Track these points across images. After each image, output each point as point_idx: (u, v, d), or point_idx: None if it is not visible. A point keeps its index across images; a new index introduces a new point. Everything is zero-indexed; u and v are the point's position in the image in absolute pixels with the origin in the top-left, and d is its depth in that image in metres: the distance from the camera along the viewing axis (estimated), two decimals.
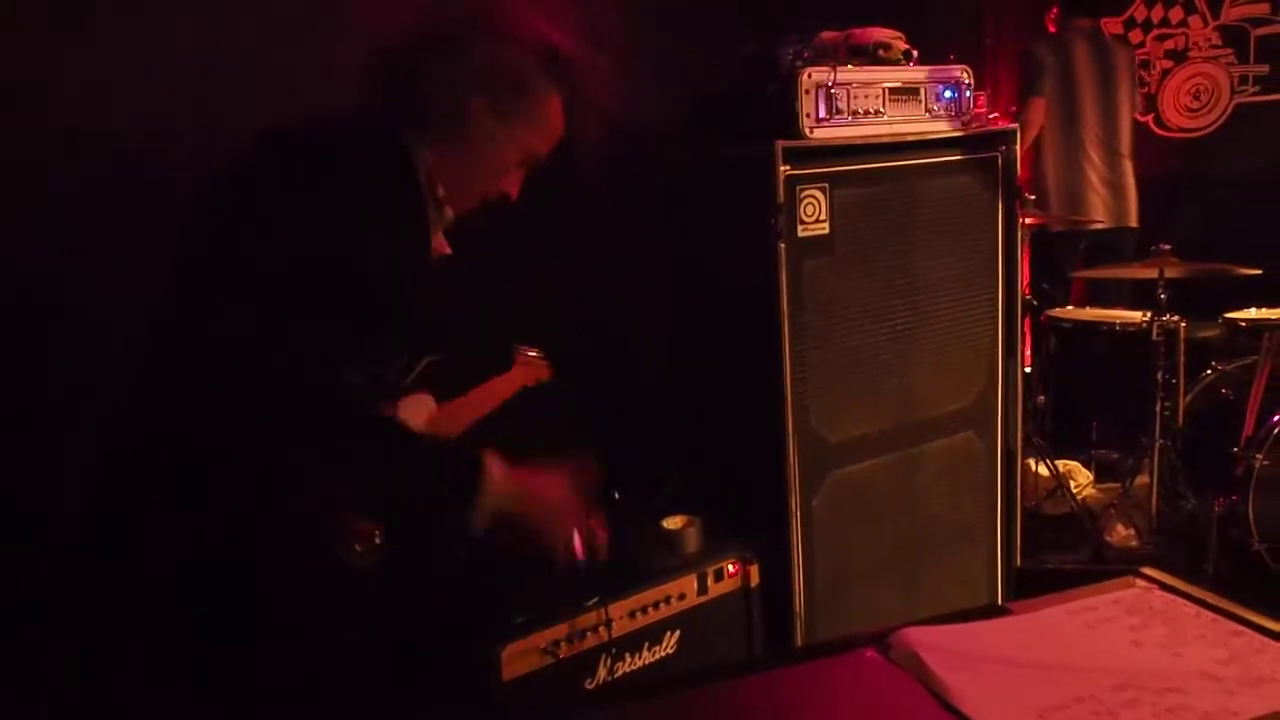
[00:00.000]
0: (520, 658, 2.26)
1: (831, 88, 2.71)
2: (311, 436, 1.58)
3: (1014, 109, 4.88)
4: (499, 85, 1.74)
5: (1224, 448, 3.70)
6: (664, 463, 3.11)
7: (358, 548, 1.74)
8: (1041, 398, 4.43)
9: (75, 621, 1.76)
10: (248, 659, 1.60)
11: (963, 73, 2.97)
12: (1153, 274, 3.83)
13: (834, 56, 2.80)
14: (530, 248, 2.95)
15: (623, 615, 2.44)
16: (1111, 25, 5.44)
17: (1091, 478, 4.52)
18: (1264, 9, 5.07)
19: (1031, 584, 3.23)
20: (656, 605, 2.51)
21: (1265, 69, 5.17)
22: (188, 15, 2.52)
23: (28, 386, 2.34)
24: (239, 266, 1.57)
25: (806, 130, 2.69)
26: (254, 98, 2.53)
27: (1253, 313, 4.05)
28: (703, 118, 2.99)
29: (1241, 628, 1.37)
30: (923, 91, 2.91)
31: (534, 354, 2.56)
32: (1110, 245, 4.83)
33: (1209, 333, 4.17)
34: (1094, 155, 4.87)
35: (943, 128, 2.96)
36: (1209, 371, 4.15)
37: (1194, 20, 5.34)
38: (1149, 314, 3.88)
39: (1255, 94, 5.20)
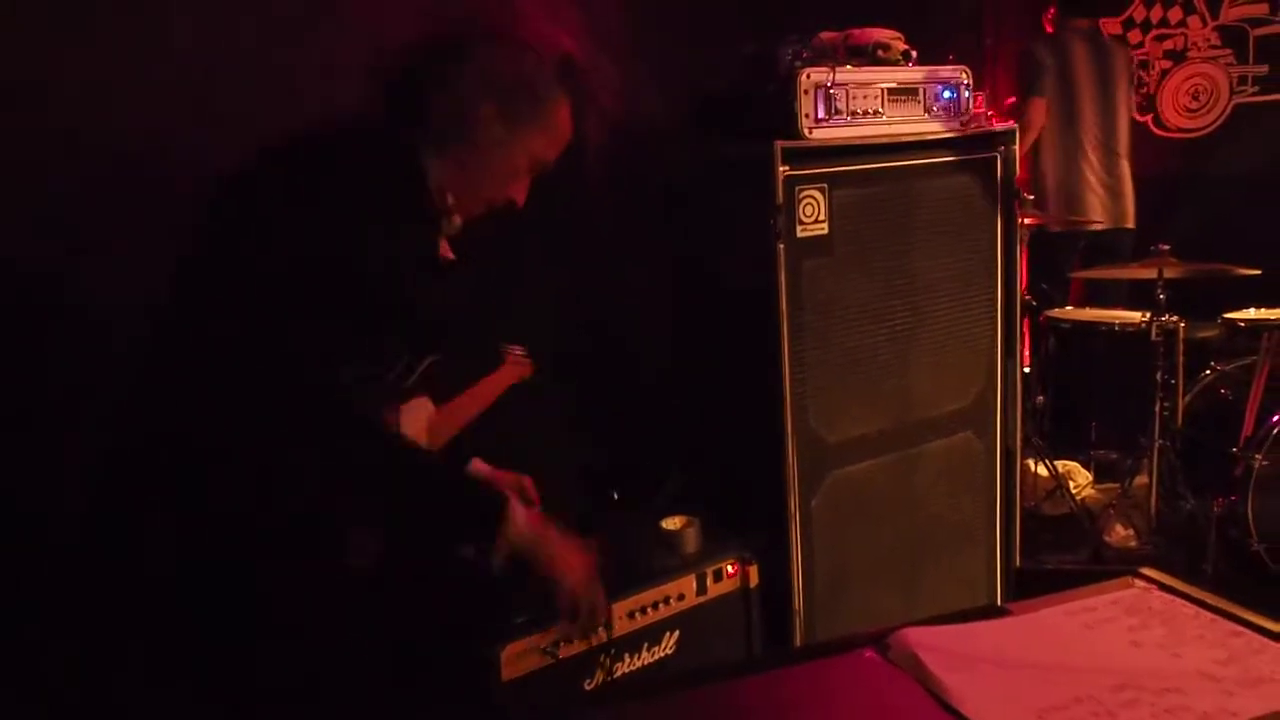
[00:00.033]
0: (520, 658, 2.26)
1: (830, 88, 2.71)
2: (330, 461, 1.58)
3: (1013, 109, 4.89)
4: (509, 92, 1.72)
5: (1223, 448, 3.71)
6: (663, 463, 3.11)
7: (358, 548, 1.75)
8: (1041, 398, 4.43)
9: (75, 621, 1.76)
10: (248, 659, 1.60)
11: (961, 73, 2.98)
12: (1152, 274, 3.83)
13: (833, 57, 2.80)
14: (530, 248, 2.95)
15: (622, 616, 2.44)
16: (1110, 25, 5.44)
17: (1090, 478, 4.52)
18: (1263, 9, 5.07)
19: (1030, 584, 3.23)
20: (655, 606, 2.51)
21: (1264, 69, 5.17)
22: (188, 15, 2.52)
23: (28, 386, 2.34)
24: (242, 268, 1.57)
25: (805, 131, 2.69)
26: (254, 98, 2.54)
27: (1251, 313, 4.05)
28: (702, 118, 2.99)
29: (1240, 628, 1.37)
30: (921, 92, 2.91)
31: (519, 352, 2.56)
32: (1107, 246, 4.84)
33: (1208, 333, 4.17)
34: (1092, 156, 4.87)
35: (942, 128, 2.96)
36: (1208, 372, 4.15)
37: (1193, 20, 5.34)
38: (1148, 314, 3.88)
39: (1254, 94, 5.20)
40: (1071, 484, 4.31)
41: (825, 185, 2.76)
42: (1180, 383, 3.96)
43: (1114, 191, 4.91)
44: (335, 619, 1.69)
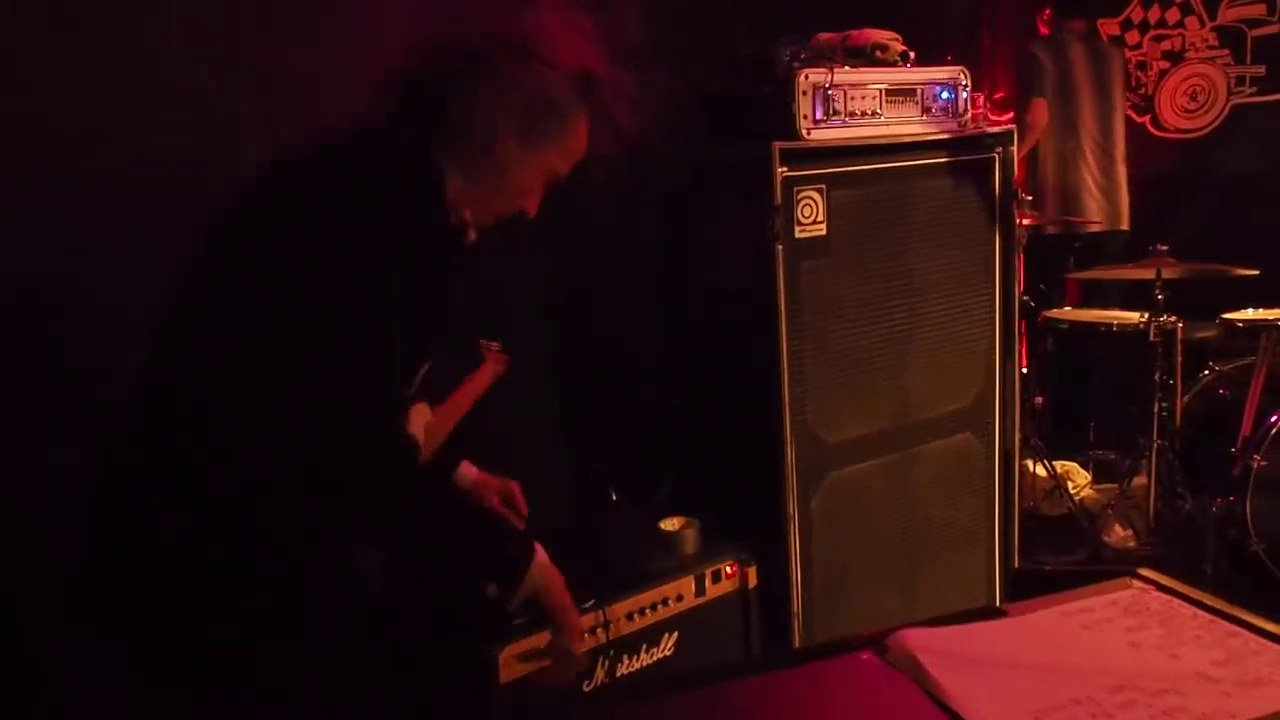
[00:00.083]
0: (519, 659, 2.26)
1: (829, 89, 2.71)
2: (364, 502, 1.57)
3: (1004, 102, 4.90)
4: (532, 111, 1.71)
5: (1221, 448, 3.71)
6: (662, 463, 3.11)
7: (360, 553, 1.75)
8: (1039, 399, 4.43)
9: (75, 621, 1.76)
10: (248, 659, 1.60)
11: (959, 74, 2.98)
12: (1150, 275, 3.83)
13: (831, 58, 2.80)
14: (527, 248, 2.95)
15: (621, 617, 2.45)
16: (1108, 26, 5.45)
17: (1089, 478, 4.53)
18: (1261, 10, 5.08)
19: (1029, 585, 3.22)
20: (654, 607, 2.52)
21: (1262, 70, 5.16)
22: (191, 16, 2.52)
23: (28, 386, 2.34)
24: (256, 275, 1.56)
25: (804, 132, 2.70)
26: (255, 100, 2.54)
27: (1250, 313, 4.05)
28: (701, 119, 2.99)
29: (1238, 629, 1.38)
30: (919, 93, 2.92)
31: (496, 346, 2.56)
32: (1101, 248, 4.85)
33: (1206, 333, 4.17)
34: (1090, 158, 4.88)
35: (939, 129, 2.96)
36: (1206, 372, 4.15)
37: (1191, 21, 5.34)
38: (1146, 315, 3.88)
39: (1252, 95, 5.20)
40: (1070, 484, 4.32)
41: (823, 186, 2.76)
42: (1179, 383, 3.97)
43: (1110, 193, 4.92)
44: (335, 619, 1.69)
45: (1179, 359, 3.93)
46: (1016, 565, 3.32)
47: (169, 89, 2.47)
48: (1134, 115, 5.35)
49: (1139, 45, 5.48)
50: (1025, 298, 4.02)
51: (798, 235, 2.73)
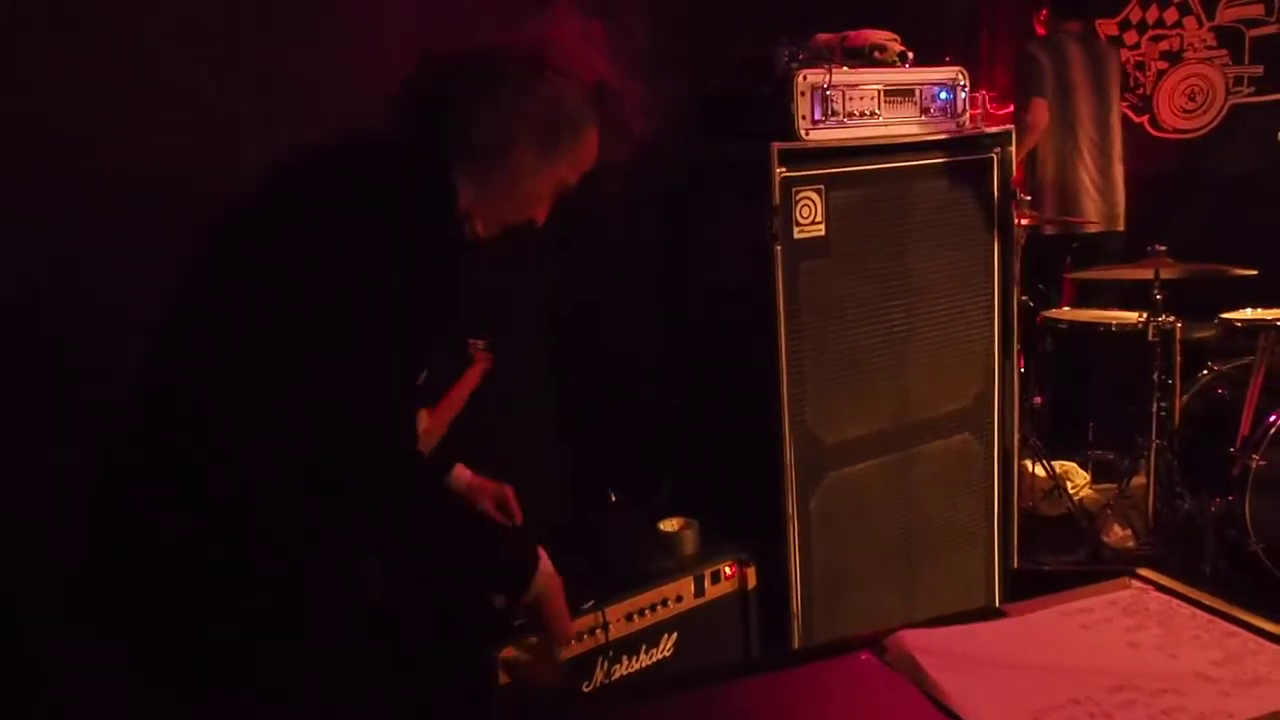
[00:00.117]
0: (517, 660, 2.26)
1: (827, 90, 2.71)
2: (373, 514, 1.58)
3: (999, 97, 4.90)
4: (546, 123, 1.71)
5: (1220, 448, 3.71)
6: (661, 463, 3.11)
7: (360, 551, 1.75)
8: (1038, 399, 4.44)
9: (75, 621, 1.76)
10: (248, 659, 1.60)
11: (957, 74, 2.98)
12: (1148, 275, 3.84)
13: (829, 58, 2.81)
14: (526, 248, 2.95)
15: (620, 618, 2.45)
16: (1107, 26, 5.45)
17: (1088, 478, 4.53)
18: (1259, 10, 5.08)
19: (1028, 585, 3.23)
20: (653, 608, 2.52)
21: (1260, 70, 5.17)
22: (191, 16, 2.52)
23: (28, 386, 2.34)
24: (257, 275, 1.56)
25: (802, 132, 2.70)
26: (255, 100, 2.54)
27: (1248, 313, 4.05)
28: (700, 119, 2.99)
29: (1237, 629, 1.38)
30: (918, 93, 2.92)
31: (481, 344, 2.56)
32: (1099, 248, 4.85)
33: (1205, 333, 4.17)
34: (1088, 158, 4.88)
35: (938, 129, 2.96)
36: (1205, 372, 4.15)
37: (1189, 21, 5.34)
38: (1145, 315, 3.89)
39: (1250, 95, 5.20)
40: (1069, 484, 4.32)
41: (822, 186, 2.76)
42: (1177, 383, 3.97)
43: (1107, 194, 4.92)
44: (335, 619, 1.69)
45: (1177, 359, 3.93)
46: (1015, 565, 3.33)
47: (169, 89, 2.47)
48: (1132, 115, 5.35)
49: (1137, 45, 5.48)
50: (1024, 298, 4.03)
51: (796, 235, 2.73)
